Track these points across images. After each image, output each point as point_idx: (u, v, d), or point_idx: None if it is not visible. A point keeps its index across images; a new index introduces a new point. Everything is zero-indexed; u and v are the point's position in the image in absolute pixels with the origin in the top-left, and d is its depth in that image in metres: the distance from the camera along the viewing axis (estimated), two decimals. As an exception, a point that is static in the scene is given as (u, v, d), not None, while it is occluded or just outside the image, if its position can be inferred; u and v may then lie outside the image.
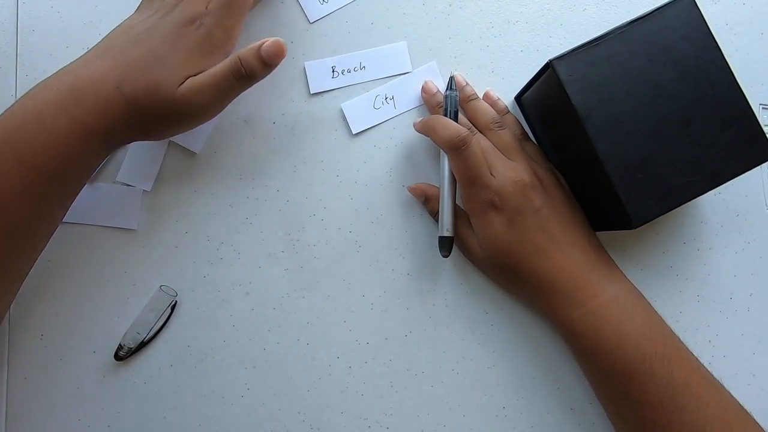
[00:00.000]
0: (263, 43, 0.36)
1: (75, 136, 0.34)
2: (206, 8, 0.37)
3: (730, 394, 0.36)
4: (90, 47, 0.37)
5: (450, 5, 0.44)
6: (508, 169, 0.38)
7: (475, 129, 0.41)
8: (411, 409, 0.42)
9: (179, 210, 0.42)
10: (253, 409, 0.41)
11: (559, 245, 0.38)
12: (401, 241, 0.42)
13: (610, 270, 0.39)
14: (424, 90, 0.43)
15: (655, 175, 0.35)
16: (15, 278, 0.37)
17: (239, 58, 0.36)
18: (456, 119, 0.40)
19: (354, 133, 0.43)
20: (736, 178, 0.35)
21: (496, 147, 0.40)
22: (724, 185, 0.35)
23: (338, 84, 0.44)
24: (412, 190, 0.42)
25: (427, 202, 0.42)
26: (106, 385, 0.41)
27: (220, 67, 0.37)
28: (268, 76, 0.37)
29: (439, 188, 0.41)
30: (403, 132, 0.43)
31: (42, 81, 0.36)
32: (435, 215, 0.42)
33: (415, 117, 0.44)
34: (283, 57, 0.37)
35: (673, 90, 0.35)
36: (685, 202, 0.35)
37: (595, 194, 0.38)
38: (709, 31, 0.35)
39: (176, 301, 0.42)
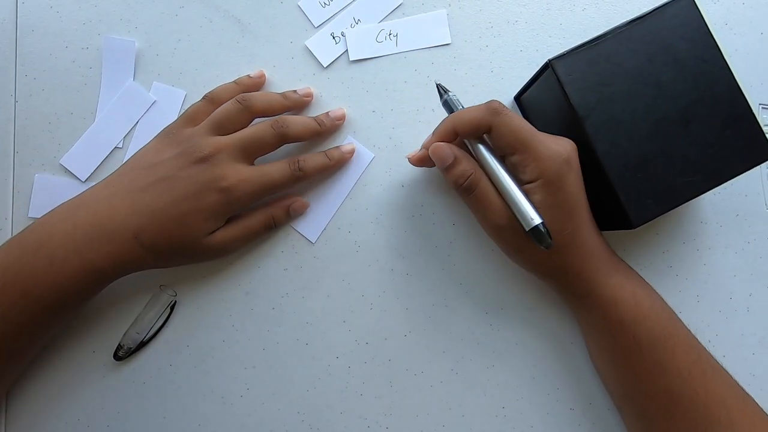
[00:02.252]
0: (292, 202, 0.41)
1: (83, 276, 0.36)
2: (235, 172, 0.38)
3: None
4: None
5: (449, 5, 0.44)
6: (550, 146, 0.34)
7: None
8: (411, 409, 0.42)
9: (179, 210, 0.42)
10: (253, 409, 0.41)
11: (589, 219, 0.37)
12: (401, 241, 0.42)
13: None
14: (435, 156, 0.37)
15: (654, 175, 0.35)
16: None
17: (272, 216, 0.41)
18: None
19: (351, 60, 0.43)
20: (735, 178, 0.35)
21: (502, 135, 0.34)
22: (723, 185, 0.35)
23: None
24: (434, 150, 0.36)
25: (453, 167, 0.35)
26: (106, 385, 0.41)
27: (253, 221, 0.40)
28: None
29: (463, 154, 0.36)
30: (402, 132, 0.43)
31: (60, 207, 0.37)
32: (460, 185, 0.36)
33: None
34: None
35: (673, 90, 0.35)
36: (685, 202, 0.35)
37: (595, 194, 0.38)
38: (709, 31, 0.35)
39: (176, 301, 0.42)
